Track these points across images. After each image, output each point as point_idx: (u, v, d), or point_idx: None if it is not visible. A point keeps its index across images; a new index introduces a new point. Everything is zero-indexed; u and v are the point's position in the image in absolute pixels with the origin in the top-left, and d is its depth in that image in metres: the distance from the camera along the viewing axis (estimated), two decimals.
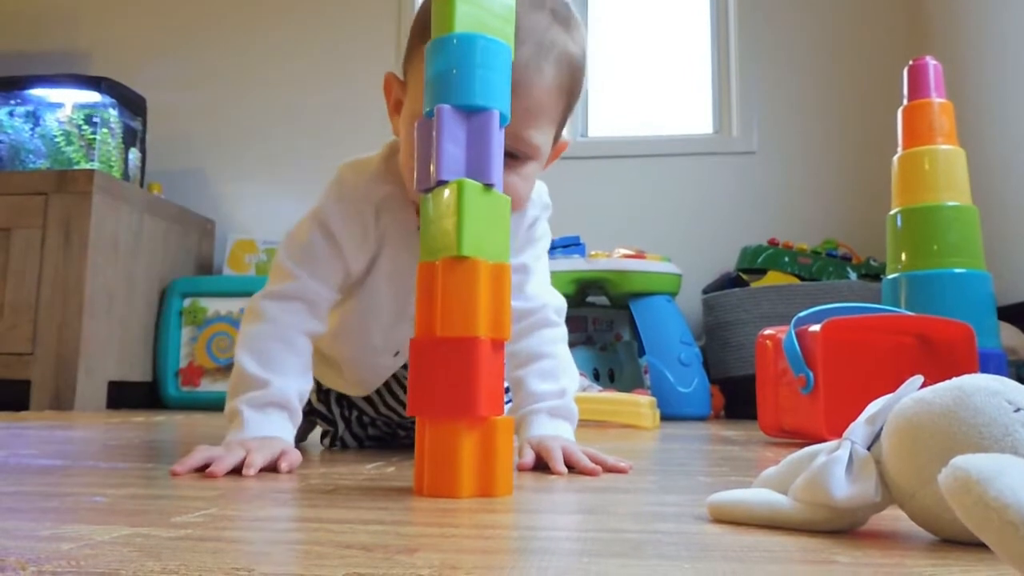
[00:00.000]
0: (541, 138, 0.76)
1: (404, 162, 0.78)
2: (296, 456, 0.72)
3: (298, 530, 0.46)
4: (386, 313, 0.87)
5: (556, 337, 0.89)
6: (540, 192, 0.90)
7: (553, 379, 0.85)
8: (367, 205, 0.82)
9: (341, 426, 1.00)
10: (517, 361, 0.86)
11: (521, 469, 0.73)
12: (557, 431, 0.81)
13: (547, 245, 0.95)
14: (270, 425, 0.74)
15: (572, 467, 0.74)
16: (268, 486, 0.62)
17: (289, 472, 0.70)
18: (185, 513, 0.48)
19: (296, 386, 0.77)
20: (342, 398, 0.99)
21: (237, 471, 0.67)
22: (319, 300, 0.82)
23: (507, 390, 0.93)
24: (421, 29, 0.75)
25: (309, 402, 0.99)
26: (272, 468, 0.70)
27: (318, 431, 1.05)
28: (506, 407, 0.99)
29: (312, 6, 2.79)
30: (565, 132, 0.83)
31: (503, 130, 0.61)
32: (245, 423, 0.73)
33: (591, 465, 0.73)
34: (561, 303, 0.92)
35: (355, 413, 1.00)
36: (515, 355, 0.86)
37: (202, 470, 0.67)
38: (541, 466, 0.75)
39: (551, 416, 0.82)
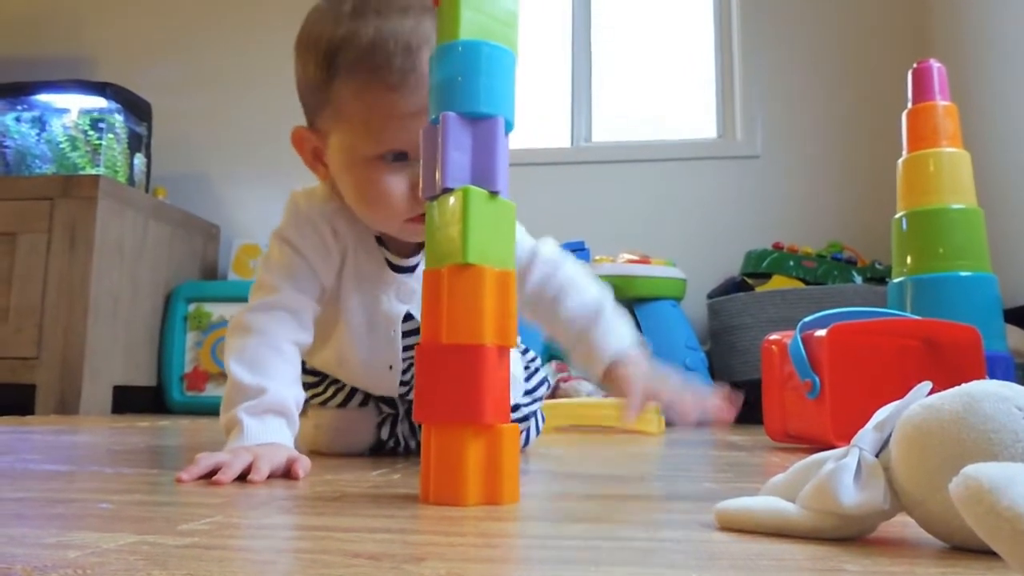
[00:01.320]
0: None
1: (356, 206, 0.82)
2: (307, 461, 0.72)
3: (304, 538, 0.46)
4: (358, 324, 0.88)
5: (558, 263, 0.89)
6: None
7: (577, 291, 0.86)
8: (322, 221, 0.86)
9: (402, 408, 0.98)
10: (543, 310, 0.87)
11: (645, 395, 0.77)
12: (626, 334, 0.83)
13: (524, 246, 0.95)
14: (270, 432, 0.74)
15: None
16: (273, 493, 0.62)
17: (304, 477, 0.70)
18: (191, 520, 0.48)
19: (292, 393, 0.77)
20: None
21: (243, 477, 0.67)
22: (302, 309, 0.83)
23: (514, 408, 0.94)
24: (319, 72, 0.79)
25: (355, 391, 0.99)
26: (281, 474, 0.70)
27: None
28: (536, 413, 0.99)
29: None
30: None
31: (507, 137, 0.61)
32: (245, 431, 0.73)
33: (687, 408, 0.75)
34: (547, 241, 0.91)
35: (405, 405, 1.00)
36: (536, 306, 0.87)
37: (208, 477, 0.67)
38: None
39: (614, 318, 0.84)
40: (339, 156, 0.81)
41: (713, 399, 0.76)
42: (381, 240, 0.89)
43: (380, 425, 0.98)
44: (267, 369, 0.77)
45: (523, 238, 0.89)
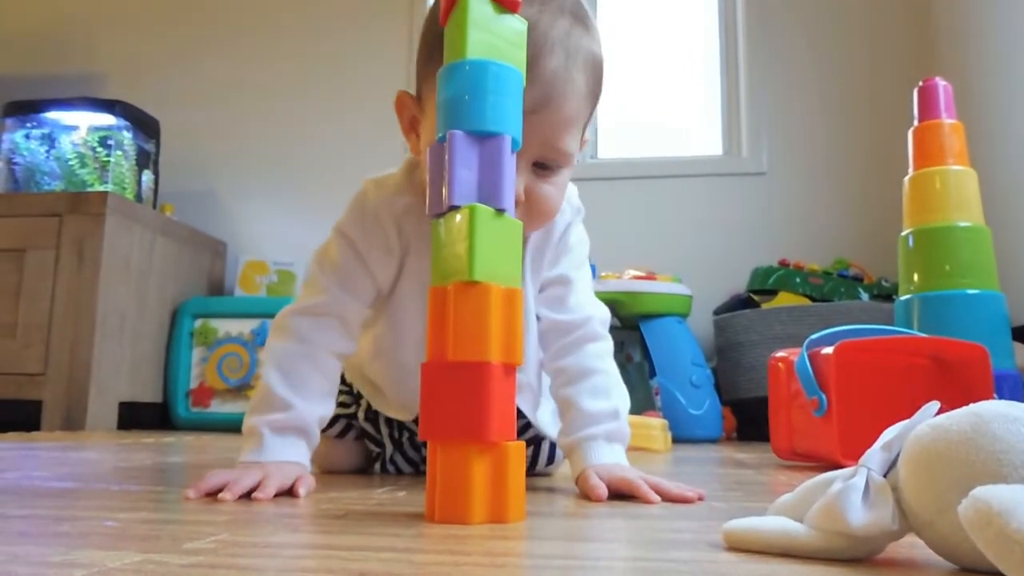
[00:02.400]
0: (574, 145, 0.76)
1: (429, 180, 0.79)
2: (312, 481, 0.72)
3: (309, 557, 0.46)
4: (412, 328, 0.85)
5: (603, 351, 0.85)
6: (569, 195, 0.88)
7: (605, 397, 0.81)
8: (388, 217, 0.82)
9: (389, 448, 0.96)
10: (565, 378, 0.83)
11: (595, 500, 0.71)
12: (616, 458, 0.78)
13: (586, 252, 0.92)
14: (287, 450, 0.74)
15: (632, 496, 0.72)
16: (279, 511, 0.62)
17: (305, 496, 0.70)
18: (197, 539, 0.48)
19: (319, 411, 0.77)
20: (392, 419, 0.96)
21: (249, 495, 0.67)
22: (350, 315, 0.81)
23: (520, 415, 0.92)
24: (430, 49, 0.75)
25: (355, 417, 0.97)
26: (286, 492, 0.70)
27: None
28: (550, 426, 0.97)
29: (325, 30, 2.82)
30: (587, 132, 0.83)
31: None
32: (264, 445, 0.73)
33: (653, 496, 0.70)
34: (605, 314, 0.88)
35: (406, 434, 0.96)
36: (563, 371, 0.83)
37: (216, 494, 0.67)
38: (611, 496, 0.72)
39: (608, 441, 0.78)
40: (431, 130, 0.76)
41: (679, 494, 0.73)
42: None
43: (373, 460, 0.99)
44: (301, 383, 0.76)
45: (587, 305, 0.87)
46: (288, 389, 0.75)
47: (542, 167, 0.75)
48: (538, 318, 0.87)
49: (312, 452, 0.77)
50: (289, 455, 0.73)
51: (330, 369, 0.80)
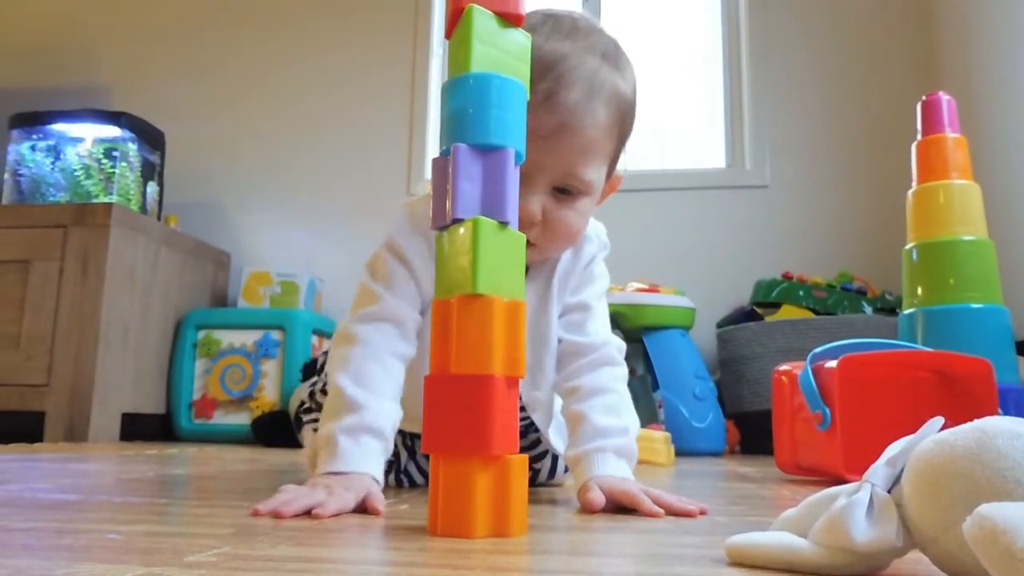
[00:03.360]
0: (594, 175, 0.80)
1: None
2: (381, 497, 0.70)
3: (311, 571, 0.46)
4: None
5: (619, 375, 0.88)
6: (599, 232, 0.93)
7: (617, 415, 0.83)
8: (428, 226, 0.84)
9: (404, 456, 0.97)
10: (579, 395, 0.84)
11: (591, 511, 0.71)
12: (622, 472, 0.78)
13: (606, 285, 0.95)
14: (363, 456, 0.73)
15: (635, 510, 0.72)
16: (280, 523, 0.61)
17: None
18: (199, 552, 0.47)
19: (391, 411, 0.77)
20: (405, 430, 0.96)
21: (309, 513, 0.65)
22: (406, 320, 0.82)
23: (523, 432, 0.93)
24: None
25: None
26: (359, 510, 0.69)
27: None
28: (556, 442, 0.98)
29: (330, 42, 2.83)
30: (619, 166, 0.86)
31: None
32: (339, 454, 0.72)
33: (655, 509, 0.71)
34: (622, 344, 0.91)
35: (419, 443, 0.96)
36: (577, 389, 0.85)
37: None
38: (608, 509, 0.73)
39: (617, 455, 0.79)
40: None
41: (681, 507, 0.73)
42: None
43: (387, 472, 0.98)
44: (371, 383, 0.76)
45: (604, 332, 0.90)
46: (358, 389, 0.75)
47: (562, 192, 0.79)
48: (559, 341, 0.89)
49: (387, 456, 0.76)
50: (362, 464, 0.72)
51: (395, 370, 0.80)
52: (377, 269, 0.85)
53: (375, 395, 0.76)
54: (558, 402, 0.93)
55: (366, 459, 0.73)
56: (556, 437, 0.96)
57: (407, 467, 0.98)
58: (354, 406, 0.74)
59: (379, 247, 0.86)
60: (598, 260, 0.93)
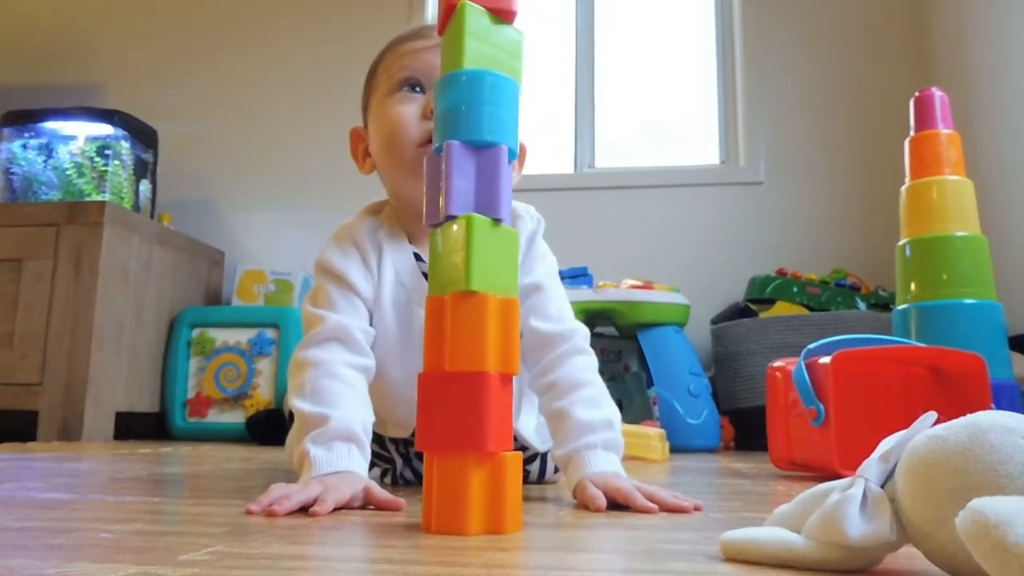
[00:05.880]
0: None
1: (381, 153, 0.90)
2: (381, 490, 0.71)
3: (305, 569, 0.46)
4: (393, 340, 0.88)
5: (590, 365, 0.87)
6: (527, 208, 0.94)
7: (598, 408, 0.82)
8: (360, 234, 0.90)
9: (399, 462, 0.97)
10: (557, 391, 0.83)
11: (595, 510, 0.71)
12: (613, 467, 0.78)
13: (555, 264, 0.94)
14: (339, 459, 0.73)
15: (628, 506, 0.72)
16: (274, 521, 0.61)
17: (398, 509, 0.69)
18: (192, 550, 0.47)
19: (357, 416, 0.77)
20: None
21: (305, 509, 0.66)
22: (354, 333, 0.83)
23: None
24: (368, 74, 0.94)
25: None
26: (361, 504, 0.69)
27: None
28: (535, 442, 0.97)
29: (323, 40, 2.82)
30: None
31: (511, 165, 0.61)
32: (315, 462, 0.72)
33: (649, 505, 0.71)
34: (587, 331, 0.90)
35: (411, 448, 0.97)
36: (554, 385, 0.84)
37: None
38: (608, 506, 0.72)
39: (605, 450, 0.79)
40: (372, 126, 0.91)
41: (675, 504, 0.73)
42: (419, 256, 0.91)
43: (383, 476, 0.98)
44: (327, 397, 0.77)
45: (569, 317, 0.89)
46: (317, 406, 0.76)
47: None
48: (522, 335, 0.87)
49: (366, 458, 0.76)
50: (341, 464, 0.73)
51: (351, 379, 0.80)
52: (317, 296, 0.87)
53: (334, 406, 0.76)
54: (531, 397, 0.93)
55: (343, 460, 0.73)
56: (533, 434, 0.96)
57: (403, 472, 0.98)
58: (318, 421, 0.75)
59: (315, 273, 0.90)
60: (538, 236, 0.93)
